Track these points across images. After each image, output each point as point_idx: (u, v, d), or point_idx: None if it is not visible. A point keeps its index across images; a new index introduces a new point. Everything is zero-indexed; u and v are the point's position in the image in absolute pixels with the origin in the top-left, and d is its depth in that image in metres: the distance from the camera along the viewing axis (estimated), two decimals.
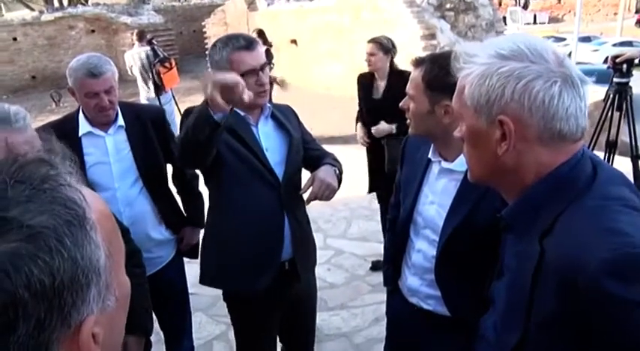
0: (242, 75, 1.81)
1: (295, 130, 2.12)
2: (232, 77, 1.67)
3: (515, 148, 0.94)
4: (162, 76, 7.33)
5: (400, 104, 1.69)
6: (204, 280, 2.13)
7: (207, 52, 1.92)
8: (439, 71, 1.53)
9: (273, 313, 2.19)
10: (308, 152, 2.14)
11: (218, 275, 2.09)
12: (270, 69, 7.42)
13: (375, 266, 4.08)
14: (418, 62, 1.63)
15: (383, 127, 3.72)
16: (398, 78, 3.67)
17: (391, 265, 1.92)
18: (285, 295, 2.14)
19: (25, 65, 15.03)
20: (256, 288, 2.03)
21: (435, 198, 1.69)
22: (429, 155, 1.70)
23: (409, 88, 1.64)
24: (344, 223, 4.96)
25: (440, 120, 1.57)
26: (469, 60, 0.97)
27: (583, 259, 0.82)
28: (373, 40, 3.86)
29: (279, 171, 1.99)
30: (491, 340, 1.14)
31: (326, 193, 1.93)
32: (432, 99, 1.57)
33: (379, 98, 3.80)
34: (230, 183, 1.96)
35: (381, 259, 4.16)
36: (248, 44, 1.87)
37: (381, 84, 3.84)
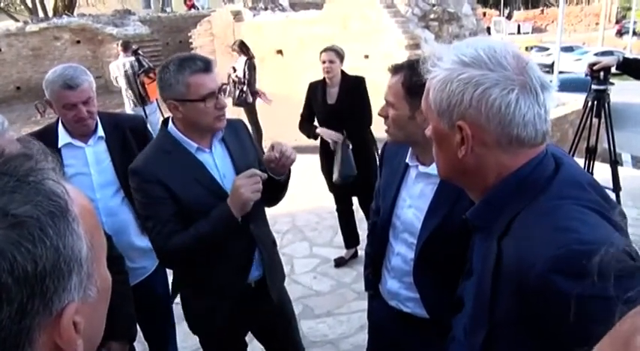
0: (202, 99, 1.75)
1: (250, 151, 2.03)
2: (258, 185, 1.75)
3: (474, 152, 0.97)
4: (146, 86, 7.32)
5: (378, 112, 1.70)
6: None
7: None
8: (419, 77, 1.54)
9: (242, 336, 2.19)
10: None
11: (201, 318, 2.06)
12: (252, 81, 7.46)
13: (338, 263, 4.35)
14: (396, 69, 1.64)
15: (331, 132, 3.96)
16: (351, 83, 3.99)
17: (371, 269, 1.93)
18: (253, 318, 2.11)
19: (10, 76, 14.90)
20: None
21: (413, 202, 1.71)
22: (407, 160, 1.72)
23: (388, 95, 1.65)
24: (330, 231, 4.96)
25: (420, 125, 1.57)
26: (436, 63, 1.00)
27: (532, 258, 0.85)
28: (331, 49, 4.07)
29: None
30: (462, 340, 1.16)
31: (289, 155, 1.85)
32: (413, 105, 1.57)
33: (333, 103, 4.02)
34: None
35: (343, 256, 4.29)
36: (206, 66, 1.77)
37: (333, 90, 4.05)
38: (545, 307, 0.84)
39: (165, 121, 1.92)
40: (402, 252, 1.77)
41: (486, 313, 0.97)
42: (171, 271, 2.11)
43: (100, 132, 2.25)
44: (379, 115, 1.70)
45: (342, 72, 4.06)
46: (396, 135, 1.68)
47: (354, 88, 4.01)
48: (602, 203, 0.94)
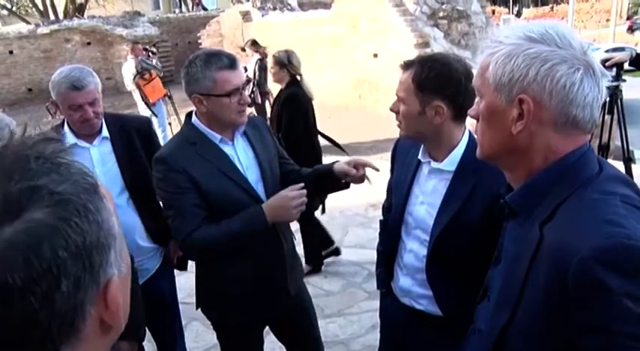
0: (227, 95, 1.80)
1: (270, 145, 2.08)
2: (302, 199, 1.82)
3: (529, 129, 0.96)
4: (142, 88, 7.35)
5: (390, 107, 1.70)
6: (211, 317, 2.13)
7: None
8: (429, 73, 1.55)
9: (260, 331, 2.20)
10: (284, 167, 2.12)
11: (225, 312, 2.07)
12: (262, 82, 7.47)
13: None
14: (407, 65, 1.63)
15: None
16: (283, 93, 4.05)
17: (384, 267, 1.92)
18: (273, 313, 2.12)
19: (22, 78, 15.05)
20: (269, 316, 2.07)
21: (425, 198, 1.71)
22: (419, 156, 1.71)
23: (399, 90, 1.65)
24: (340, 230, 4.95)
25: (431, 121, 1.59)
26: (497, 39, 1.00)
27: (577, 245, 0.84)
28: (272, 55, 4.17)
29: (260, 190, 1.94)
30: (482, 328, 1.15)
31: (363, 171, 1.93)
32: (423, 100, 1.57)
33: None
34: None
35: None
36: (232, 63, 1.82)
37: None
38: (579, 296, 0.83)
39: (190, 115, 1.96)
40: (414, 249, 1.76)
41: (515, 297, 0.96)
42: (193, 273, 2.12)
43: (105, 132, 2.24)
44: (391, 110, 1.70)
45: (291, 79, 4.04)
46: (407, 130, 1.67)
47: (283, 97, 4.06)
48: None
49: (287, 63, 4.02)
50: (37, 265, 0.47)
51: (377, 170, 1.94)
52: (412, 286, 1.79)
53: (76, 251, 0.49)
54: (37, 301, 0.47)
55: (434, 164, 1.67)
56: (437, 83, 1.54)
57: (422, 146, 1.71)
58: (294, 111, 3.95)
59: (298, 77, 4.04)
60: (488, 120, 1.04)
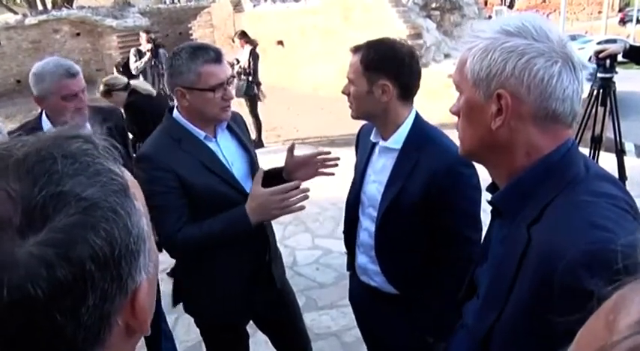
0: (212, 89, 1.75)
1: (249, 141, 2.06)
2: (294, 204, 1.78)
3: (508, 125, 0.95)
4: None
5: (342, 90, 1.77)
6: (198, 318, 2.11)
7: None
8: (375, 54, 1.66)
9: (243, 326, 2.19)
10: None
11: (211, 311, 2.02)
12: (256, 71, 7.43)
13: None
14: (357, 49, 1.72)
15: None
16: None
17: (348, 248, 2.01)
18: (255, 307, 2.09)
19: (10, 70, 14.87)
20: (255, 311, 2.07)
21: (376, 176, 1.79)
22: (371, 137, 1.80)
23: (349, 73, 1.73)
24: (332, 222, 4.94)
25: (378, 99, 1.67)
26: (474, 34, 0.99)
27: (564, 249, 0.83)
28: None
29: (248, 186, 1.90)
30: (469, 325, 1.14)
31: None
32: (370, 79, 1.66)
33: None
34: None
35: None
36: (217, 57, 1.77)
37: None
38: (563, 300, 0.82)
39: (170, 109, 1.91)
40: (367, 226, 1.83)
41: (503, 297, 0.96)
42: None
43: (88, 127, 2.22)
44: (342, 92, 1.77)
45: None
46: (357, 111, 1.75)
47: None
48: (631, 204, 0.92)
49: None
50: (62, 278, 0.43)
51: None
52: (367, 263, 1.86)
53: (104, 262, 0.46)
54: (62, 316, 0.44)
55: (382, 143, 1.76)
56: (382, 63, 1.65)
57: (374, 128, 1.80)
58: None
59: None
60: (468, 116, 1.03)
